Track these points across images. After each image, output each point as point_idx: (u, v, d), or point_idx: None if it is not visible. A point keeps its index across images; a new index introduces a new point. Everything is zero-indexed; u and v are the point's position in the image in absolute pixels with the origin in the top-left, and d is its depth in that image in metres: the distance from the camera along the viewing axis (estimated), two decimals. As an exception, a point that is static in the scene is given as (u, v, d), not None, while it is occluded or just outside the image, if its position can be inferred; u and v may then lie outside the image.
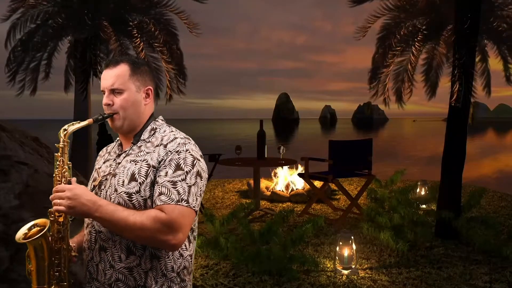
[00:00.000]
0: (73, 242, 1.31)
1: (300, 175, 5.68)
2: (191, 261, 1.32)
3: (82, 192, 1.15)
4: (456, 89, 4.30)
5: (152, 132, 1.32)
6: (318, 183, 5.67)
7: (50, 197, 1.16)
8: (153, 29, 6.78)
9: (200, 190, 1.24)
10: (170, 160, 1.22)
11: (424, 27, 5.56)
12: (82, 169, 7.06)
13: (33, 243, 1.16)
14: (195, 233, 1.34)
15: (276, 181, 6.58)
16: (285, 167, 6.62)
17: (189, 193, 1.19)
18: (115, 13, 6.77)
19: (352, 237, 3.49)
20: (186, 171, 1.21)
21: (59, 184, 1.19)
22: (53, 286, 1.21)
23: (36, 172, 3.07)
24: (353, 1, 5.57)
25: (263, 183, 6.48)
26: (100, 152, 1.45)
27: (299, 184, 6.41)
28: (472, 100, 4.52)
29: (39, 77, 7.28)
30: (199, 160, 1.25)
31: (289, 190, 6.36)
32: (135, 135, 1.32)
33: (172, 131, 1.31)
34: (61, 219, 1.20)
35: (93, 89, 7.14)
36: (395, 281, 3.29)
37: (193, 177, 1.21)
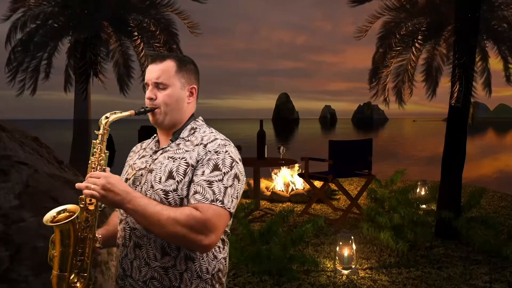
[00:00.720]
0: (98, 233, 1.29)
1: (300, 175, 5.68)
2: (225, 264, 1.29)
3: (116, 182, 1.13)
4: (456, 89, 4.30)
5: (192, 131, 1.30)
6: (318, 183, 5.66)
7: (85, 182, 1.14)
8: (153, 29, 6.79)
9: (237, 193, 1.21)
10: (209, 159, 1.19)
11: (424, 27, 5.56)
12: (82, 169, 7.06)
13: (61, 227, 1.13)
14: (229, 236, 1.32)
15: (276, 181, 6.57)
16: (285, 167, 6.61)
17: (225, 194, 1.16)
18: (115, 13, 6.78)
19: (352, 237, 3.49)
20: (224, 172, 1.18)
21: (94, 171, 1.17)
22: (73, 275, 1.18)
23: (36, 172, 3.07)
24: (353, 1, 5.57)
25: (263, 183, 6.48)
26: (134, 148, 1.42)
27: (299, 184, 6.41)
28: (472, 100, 4.52)
29: (39, 77, 7.28)
30: (238, 163, 1.23)
31: (289, 190, 6.36)
32: (174, 132, 1.30)
33: (212, 132, 1.29)
34: (91, 207, 1.17)
35: (93, 89, 7.15)
36: (395, 281, 3.29)
37: (230, 179, 1.19)
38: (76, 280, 1.18)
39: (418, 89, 6.30)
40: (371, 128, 57.96)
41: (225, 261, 1.30)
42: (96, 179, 1.12)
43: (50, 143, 3.93)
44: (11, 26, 6.94)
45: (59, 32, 6.86)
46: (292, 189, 6.37)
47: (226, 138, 1.28)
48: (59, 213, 1.16)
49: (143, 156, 1.33)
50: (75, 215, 1.14)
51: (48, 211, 1.20)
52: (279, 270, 3.32)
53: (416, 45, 5.68)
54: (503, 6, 5.39)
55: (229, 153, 1.22)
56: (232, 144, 1.27)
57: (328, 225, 4.77)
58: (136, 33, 6.63)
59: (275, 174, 6.70)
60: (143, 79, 7.23)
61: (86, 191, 1.12)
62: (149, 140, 1.40)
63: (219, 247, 1.26)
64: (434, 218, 4.44)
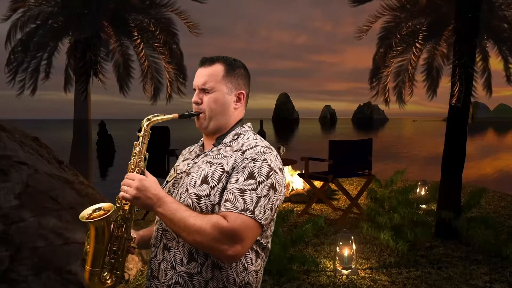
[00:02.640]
0: (137, 234, 1.30)
1: (300, 175, 5.68)
2: (256, 278, 1.22)
3: (150, 185, 1.13)
4: (456, 89, 4.29)
5: (236, 137, 1.26)
6: (318, 183, 5.66)
7: (121, 182, 1.15)
8: (153, 29, 6.80)
9: (271, 204, 1.15)
10: (244, 167, 1.15)
11: (424, 27, 5.57)
12: (84, 169, 7.08)
13: (95, 224, 1.16)
14: (267, 249, 1.26)
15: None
16: (285, 167, 6.62)
17: (256, 204, 1.11)
18: (115, 13, 6.79)
19: (352, 237, 3.48)
20: (259, 181, 1.13)
21: (132, 172, 1.17)
22: (106, 273, 1.20)
23: (36, 172, 3.07)
24: (354, 1, 5.57)
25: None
26: (183, 151, 1.42)
27: (299, 184, 6.40)
28: (472, 100, 4.52)
29: (39, 77, 7.28)
30: (276, 173, 1.17)
31: (289, 190, 6.36)
32: (217, 138, 1.28)
33: (256, 139, 1.25)
34: (126, 207, 1.19)
35: (93, 89, 7.15)
36: (395, 281, 3.28)
37: (265, 189, 1.13)
38: (108, 277, 1.20)
39: (419, 89, 6.32)
40: (371, 128, 57.94)
41: (257, 275, 1.23)
42: (131, 181, 1.14)
43: (50, 143, 3.93)
44: (11, 26, 6.94)
45: (59, 32, 6.87)
46: (292, 189, 6.37)
47: (269, 146, 1.23)
48: (94, 211, 1.19)
49: (186, 159, 1.32)
50: (109, 213, 1.16)
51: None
52: (279, 270, 3.31)
53: (417, 45, 5.68)
54: (504, 6, 5.39)
55: (267, 162, 1.16)
56: (274, 153, 1.22)
57: (328, 225, 4.76)
58: (136, 33, 6.64)
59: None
60: (143, 79, 7.28)
61: (120, 193, 1.15)
62: (196, 144, 1.39)
63: (251, 258, 1.20)
64: (434, 218, 4.43)
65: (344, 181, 7.04)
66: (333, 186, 5.88)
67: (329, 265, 3.59)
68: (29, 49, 6.82)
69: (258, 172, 1.14)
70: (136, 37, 6.61)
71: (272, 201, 1.15)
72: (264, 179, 1.14)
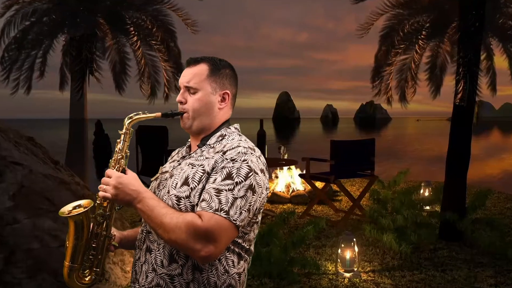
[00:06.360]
0: (120, 233, 1.32)
1: (301, 175, 5.63)
2: (239, 280, 1.22)
3: (128, 182, 1.14)
4: (460, 88, 4.24)
5: (220, 138, 1.26)
6: (319, 184, 5.61)
7: (101, 180, 1.18)
8: (150, 26, 6.75)
9: (249, 205, 1.14)
10: (223, 167, 1.15)
11: (428, 25, 5.51)
12: (80, 169, 7.04)
13: (74, 219, 1.17)
14: (249, 252, 1.25)
15: (276, 182, 6.51)
16: (285, 167, 6.56)
17: (232, 204, 1.10)
18: (112, 10, 6.74)
19: (354, 239, 3.43)
20: (236, 182, 1.13)
21: (113, 169, 1.19)
22: (87, 271, 1.21)
23: (31, 173, 3.02)
24: (355, -2, 5.50)
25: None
26: (173, 153, 1.42)
27: (300, 185, 6.35)
28: (477, 99, 4.46)
29: (34, 76, 7.24)
30: (257, 174, 1.17)
31: (290, 191, 6.30)
32: (202, 139, 1.28)
33: (240, 140, 1.24)
34: (105, 204, 1.20)
35: (89, 87, 7.11)
36: (398, 284, 3.23)
37: (242, 190, 1.13)
38: (87, 274, 1.21)
39: (422, 87, 6.27)
40: (373, 128, 57.87)
41: (240, 277, 1.22)
42: (109, 179, 1.15)
43: (45, 143, 3.88)
44: (4, 23, 6.89)
45: (54, 29, 6.83)
46: (293, 190, 6.31)
47: (252, 147, 1.22)
48: (74, 207, 1.20)
49: (173, 161, 1.33)
50: (88, 208, 1.18)
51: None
52: (280, 273, 3.27)
53: (420, 42, 5.63)
54: (509, 3, 5.32)
55: (247, 162, 1.16)
56: (257, 154, 1.21)
57: (330, 227, 4.71)
58: (132, 31, 6.59)
59: (276, 176, 6.64)
60: (140, 77, 7.23)
61: (100, 193, 1.16)
62: (185, 146, 1.39)
63: (232, 261, 1.20)
64: (438, 220, 4.39)
65: (346, 182, 6.99)
66: (335, 187, 5.83)
67: (330, 267, 3.55)
68: (23, 47, 6.78)
69: (236, 173, 1.14)
70: (132, 35, 6.57)
71: (250, 203, 1.14)
72: (242, 179, 1.13)
